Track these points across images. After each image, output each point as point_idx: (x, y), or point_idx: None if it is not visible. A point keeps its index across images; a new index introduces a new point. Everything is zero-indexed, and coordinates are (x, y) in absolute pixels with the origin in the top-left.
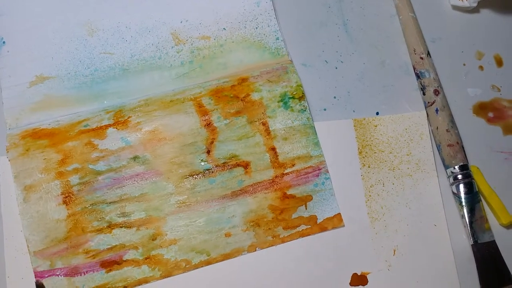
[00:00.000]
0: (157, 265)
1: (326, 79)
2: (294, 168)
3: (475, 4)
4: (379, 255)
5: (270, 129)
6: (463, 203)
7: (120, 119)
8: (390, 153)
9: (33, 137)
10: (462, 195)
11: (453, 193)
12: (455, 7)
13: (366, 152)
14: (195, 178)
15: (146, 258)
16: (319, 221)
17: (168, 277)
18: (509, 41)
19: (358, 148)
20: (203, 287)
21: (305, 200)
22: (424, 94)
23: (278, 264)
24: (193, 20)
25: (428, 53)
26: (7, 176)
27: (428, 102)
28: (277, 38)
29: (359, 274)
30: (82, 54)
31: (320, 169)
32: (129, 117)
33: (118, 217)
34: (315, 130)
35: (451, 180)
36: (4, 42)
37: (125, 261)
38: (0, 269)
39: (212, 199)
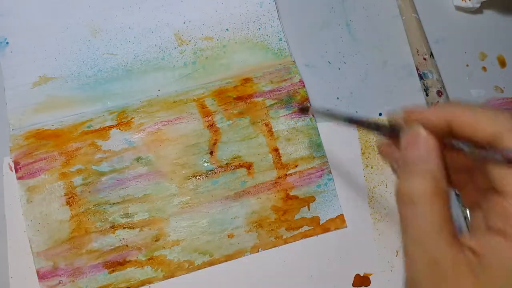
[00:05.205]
0: (160, 265)
1: (329, 80)
2: (297, 169)
3: (478, 5)
4: (382, 256)
5: (273, 130)
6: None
7: (123, 120)
8: None
9: (36, 137)
10: None
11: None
12: (458, 8)
13: (369, 153)
14: (198, 179)
15: (149, 259)
16: (322, 222)
17: (171, 278)
18: None
19: (361, 149)
20: None
21: (308, 201)
22: (427, 95)
23: (281, 265)
24: (196, 21)
25: (431, 54)
26: (10, 177)
27: (431, 103)
28: (280, 39)
29: (361, 275)
30: (85, 55)
31: (323, 170)
32: (132, 118)
33: (121, 218)
34: (318, 131)
35: None
36: (7, 43)
37: (128, 262)
38: (3, 269)
39: (215, 200)
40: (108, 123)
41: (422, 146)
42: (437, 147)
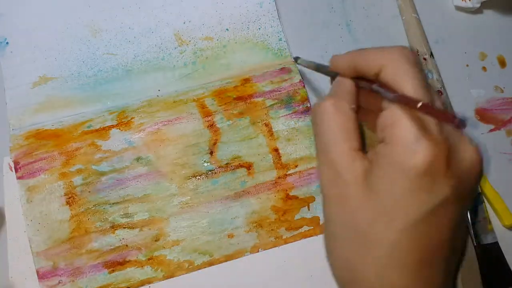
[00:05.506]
0: (160, 266)
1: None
2: (297, 169)
3: (478, 5)
4: None
5: (273, 130)
6: None
7: (123, 120)
8: None
9: (36, 137)
10: None
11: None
12: (458, 8)
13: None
14: (198, 179)
15: (149, 259)
16: (321, 222)
17: (171, 278)
18: None
19: None
20: None
21: (308, 201)
22: None
23: (280, 265)
24: (196, 21)
25: (431, 54)
26: (10, 177)
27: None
28: (280, 39)
29: None
30: (85, 55)
31: None
32: (132, 118)
33: (121, 218)
34: None
35: None
36: (7, 43)
37: (128, 261)
38: (3, 269)
39: (215, 200)
40: (108, 123)
41: (336, 85)
42: (347, 84)
